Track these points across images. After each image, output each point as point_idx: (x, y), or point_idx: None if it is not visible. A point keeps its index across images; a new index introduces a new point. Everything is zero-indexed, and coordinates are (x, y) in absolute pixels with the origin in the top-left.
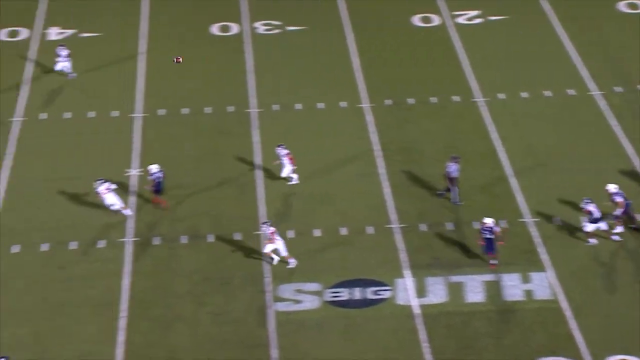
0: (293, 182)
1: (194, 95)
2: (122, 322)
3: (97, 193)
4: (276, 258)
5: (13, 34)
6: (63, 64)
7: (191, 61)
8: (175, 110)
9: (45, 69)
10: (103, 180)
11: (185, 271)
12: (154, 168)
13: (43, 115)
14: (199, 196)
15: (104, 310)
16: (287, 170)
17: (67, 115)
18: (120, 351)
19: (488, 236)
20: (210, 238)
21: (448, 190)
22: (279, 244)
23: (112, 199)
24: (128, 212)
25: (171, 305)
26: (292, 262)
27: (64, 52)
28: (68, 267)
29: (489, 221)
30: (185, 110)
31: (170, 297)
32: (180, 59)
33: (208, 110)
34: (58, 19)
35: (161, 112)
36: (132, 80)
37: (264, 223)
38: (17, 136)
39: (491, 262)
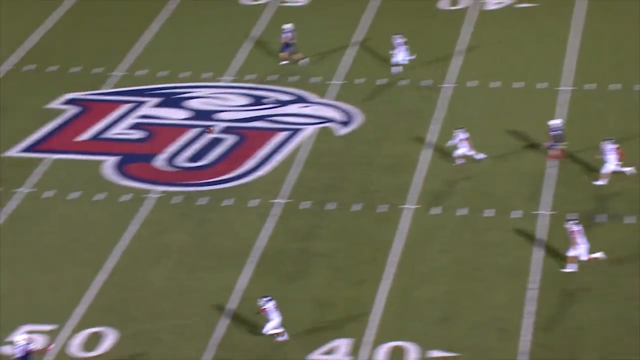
0: (600, 183)
1: (626, 70)
2: (532, 294)
3: (459, 140)
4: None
5: (453, 2)
6: (400, 55)
7: (619, 36)
8: (604, 86)
9: (479, 38)
10: (463, 129)
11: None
12: (556, 123)
13: (472, 83)
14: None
15: (514, 279)
16: (610, 166)
17: (495, 84)
18: (528, 321)
19: None
20: (630, 219)
21: None
22: (582, 245)
23: (464, 149)
24: (482, 156)
25: (583, 284)
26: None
27: (400, 40)
28: (482, 233)
29: None
30: (615, 86)
31: (582, 275)
32: (212, 130)
33: (638, 87)
34: None
35: (589, 86)
36: (563, 53)
37: (569, 220)
38: (448, 102)
39: None
